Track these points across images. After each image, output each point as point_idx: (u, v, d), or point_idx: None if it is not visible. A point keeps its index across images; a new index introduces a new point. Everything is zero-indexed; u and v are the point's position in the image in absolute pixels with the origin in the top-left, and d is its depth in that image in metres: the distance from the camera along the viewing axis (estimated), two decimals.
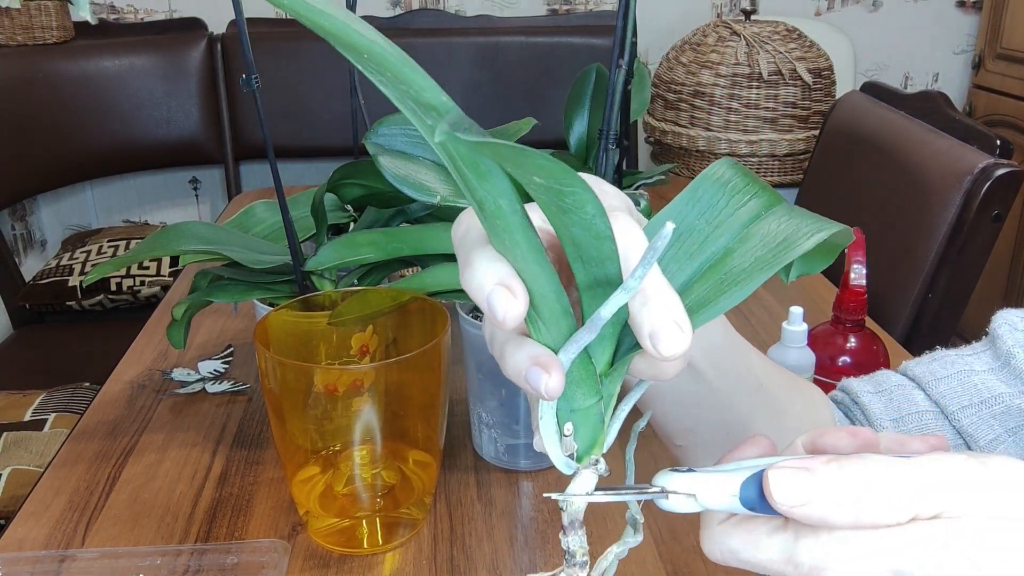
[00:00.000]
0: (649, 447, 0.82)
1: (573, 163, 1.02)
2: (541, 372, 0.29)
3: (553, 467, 0.81)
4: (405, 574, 0.66)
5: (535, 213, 0.31)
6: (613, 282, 0.30)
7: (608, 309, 0.29)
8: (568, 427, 0.31)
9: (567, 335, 0.30)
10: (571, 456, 0.32)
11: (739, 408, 0.48)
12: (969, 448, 0.51)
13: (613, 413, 0.32)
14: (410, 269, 0.89)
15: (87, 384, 1.44)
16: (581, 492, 0.31)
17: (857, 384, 0.55)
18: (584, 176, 0.29)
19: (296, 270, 0.77)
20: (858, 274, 0.83)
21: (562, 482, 0.32)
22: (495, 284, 0.29)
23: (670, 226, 0.27)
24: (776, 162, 1.94)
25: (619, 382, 0.32)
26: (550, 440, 0.31)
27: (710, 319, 0.31)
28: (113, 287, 1.85)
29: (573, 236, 0.29)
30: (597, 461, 0.32)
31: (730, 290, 0.32)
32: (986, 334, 0.54)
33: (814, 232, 0.33)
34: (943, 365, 0.53)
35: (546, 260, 0.29)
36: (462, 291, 0.76)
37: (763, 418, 0.49)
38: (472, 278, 0.30)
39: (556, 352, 0.30)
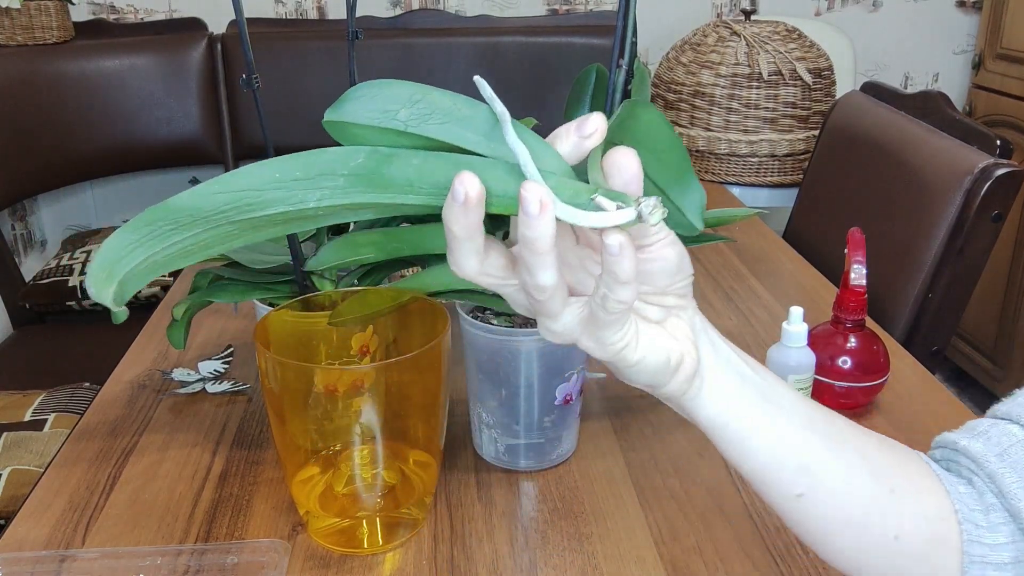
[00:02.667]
0: (650, 448, 0.82)
1: None
2: (541, 205, 0.36)
3: (554, 466, 0.81)
4: (405, 574, 0.66)
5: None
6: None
7: (527, 163, 0.37)
8: (601, 200, 0.37)
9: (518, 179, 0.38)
10: (619, 207, 0.37)
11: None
12: None
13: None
14: (410, 269, 0.89)
15: (87, 384, 1.44)
16: (656, 212, 0.37)
17: (951, 436, 0.55)
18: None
19: (296, 270, 0.77)
20: (858, 274, 0.83)
21: None
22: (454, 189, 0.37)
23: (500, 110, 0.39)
24: (776, 162, 1.94)
25: (597, 170, 0.39)
26: (593, 216, 0.37)
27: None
28: None
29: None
30: (643, 199, 0.37)
31: None
32: None
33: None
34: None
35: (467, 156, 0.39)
36: (462, 291, 0.76)
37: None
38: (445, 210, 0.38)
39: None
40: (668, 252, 0.42)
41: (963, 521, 0.50)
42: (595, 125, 0.39)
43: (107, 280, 0.38)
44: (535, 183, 0.36)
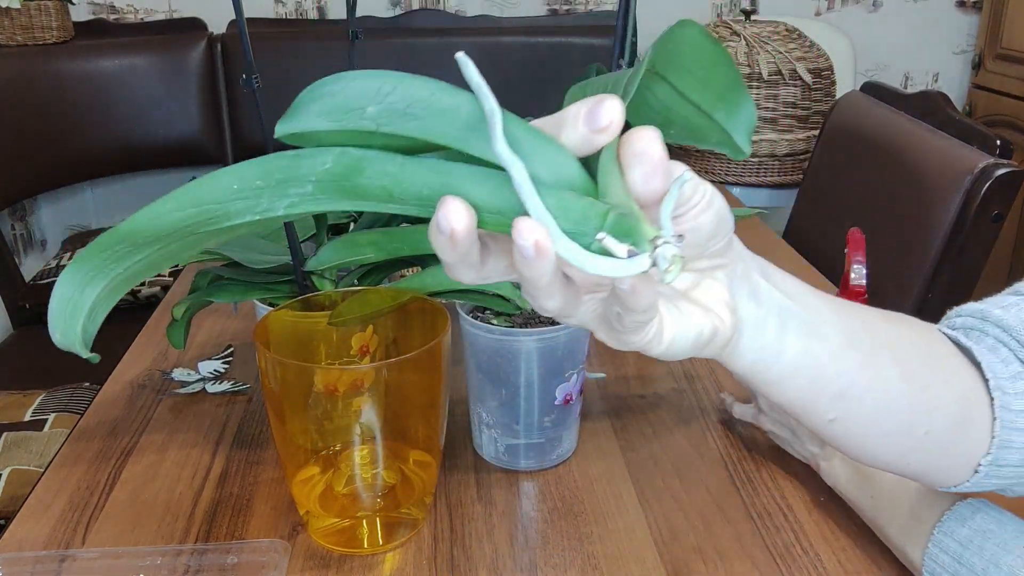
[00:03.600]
0: (650, 446, 0.82)
1: None
2: (537, 250, 0.31)
3: (554, 466, 0.81)
4: (405, 574, 0.66)
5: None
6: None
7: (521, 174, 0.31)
8: (609, 244, 0.32)
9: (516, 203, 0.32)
10: (633, 255, 0.32)
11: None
12: None
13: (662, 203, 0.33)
14: (410, 269, 0.89)
15: (87, 384, 1.44)
16: (673, 268, 0.32)
17: (978, 305, 0.55)
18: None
19: (296, 270, 0.77)
20: (858, 274, 0.83)
21: None
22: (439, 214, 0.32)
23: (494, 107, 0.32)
24: (776, 162, 1.94)
25: (617, 190, 0.33)
26: (601, 262, 0.32)
27: None
28: None
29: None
30: (660, 241, 0.32)
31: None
32: None
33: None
34: None
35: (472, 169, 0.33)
36: (462, 291, 0.76)
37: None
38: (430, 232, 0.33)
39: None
40: (703, 219, 0.36)
41: (994, 389, 0.50)
42: (609, 116, 0.32)
43: (73, 315, 0.35)
44: (529, 221, 0.31)
